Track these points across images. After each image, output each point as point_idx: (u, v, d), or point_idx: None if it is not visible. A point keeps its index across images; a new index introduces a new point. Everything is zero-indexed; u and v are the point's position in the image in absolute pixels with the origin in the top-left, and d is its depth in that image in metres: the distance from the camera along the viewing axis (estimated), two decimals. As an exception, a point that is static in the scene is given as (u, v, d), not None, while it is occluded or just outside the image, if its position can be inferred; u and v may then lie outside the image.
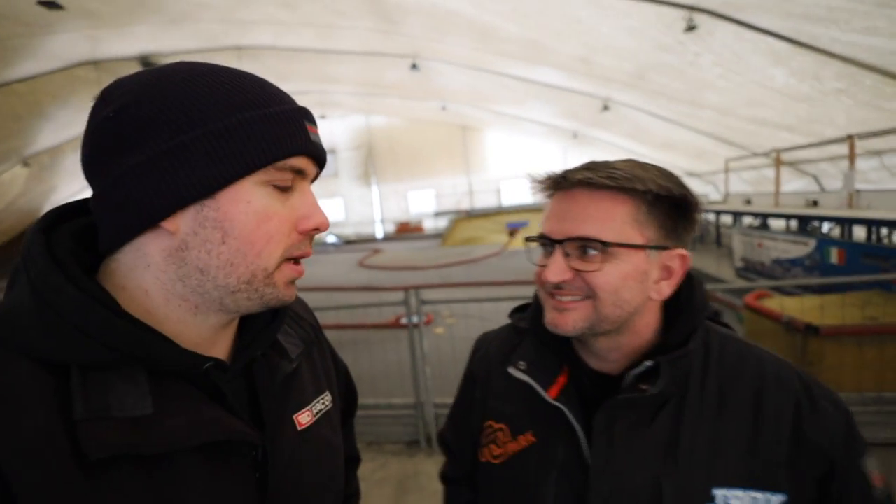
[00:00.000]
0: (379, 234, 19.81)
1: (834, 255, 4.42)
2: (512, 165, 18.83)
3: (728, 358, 0.62)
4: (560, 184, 0.60)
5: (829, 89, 5.47)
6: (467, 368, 0.80)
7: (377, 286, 7.94)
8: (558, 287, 0.59)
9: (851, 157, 5.13)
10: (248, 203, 0.43)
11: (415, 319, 2.90)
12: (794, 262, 5.05)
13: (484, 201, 19.32)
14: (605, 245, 0.56)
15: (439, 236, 16.61)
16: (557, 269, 0.58)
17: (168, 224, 0.42)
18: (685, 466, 0.57)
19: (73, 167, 12.51)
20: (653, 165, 0.60)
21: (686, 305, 0.63)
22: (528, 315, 0.71)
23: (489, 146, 19.04)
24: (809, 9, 4.19)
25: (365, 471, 2.53)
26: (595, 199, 0.57)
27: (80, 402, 0.38)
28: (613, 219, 0.57)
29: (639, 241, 0.57)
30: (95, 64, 8.25)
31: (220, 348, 0.49)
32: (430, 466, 2.73)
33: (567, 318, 0.59)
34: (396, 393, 3.16)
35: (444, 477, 0.82)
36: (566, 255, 0.58)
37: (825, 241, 4.66)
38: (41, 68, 8.05)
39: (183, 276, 0.44)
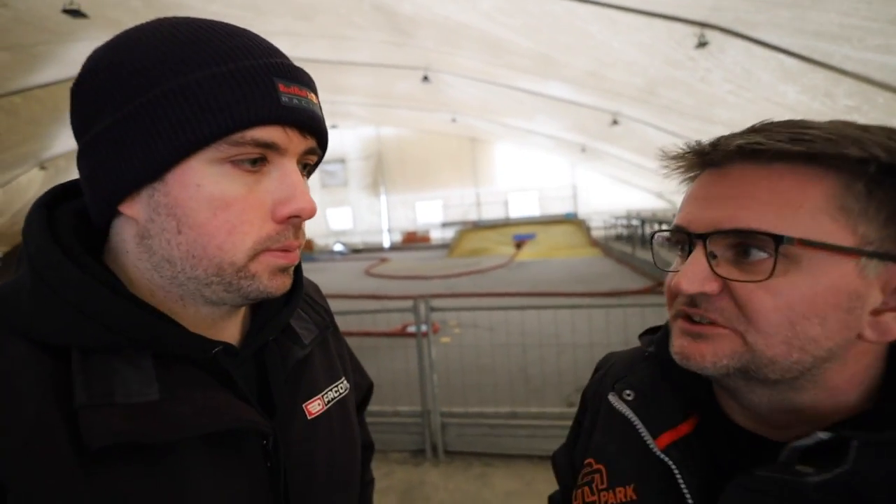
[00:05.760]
0: (386, 244, 19.86)
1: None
2: (520, 178, 18.91)
3: None
4: (709, 156, 0.40)
5: (841, 107, 5.46)
6: (584, 390, 0.64)
7: (384, 295, 7.95)
8: (693, 304, 0.39)
9: (864, 174, 5.09)
10: (199, 187, 0.37)
11: (423, 328, 2.90)
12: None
13: (491, 213, 19.34)
14: (782, 242, 0.35)
15: (446, 247, 16.62)
16: (694, 275, 0.38)
17: (126, 209, 0.38)
18: None
19: (88, 171, 12.75)
20: (877, 126, 0.37)
21: None
22: (657, 337, 0.52)
23: (498, 158, 19.12)
24: (822, 26, 4.20)
25: (370, 479, 2.50)
26: (770, 176, 0.36)
27: (81, 387, 0.35)
28: (799, 204, 0.35)
29: (847, 241, 0.35)
30: (114, 71, 8.45)
31: (229, 333, 0.46)
32: (435, 476, 2.70)
33: (703, 349, 0.39)
34: (402, 401, 3.14)
35: (550, 499, 0.68)
36: (712, 256, 0.38)
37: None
38: (62, 74, 8.25)
39: (155, 265, 0.40)
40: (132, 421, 0.35)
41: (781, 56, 4.96)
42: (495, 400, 3.05)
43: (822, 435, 0.36)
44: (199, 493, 0.39)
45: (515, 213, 19.10)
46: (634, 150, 11.29)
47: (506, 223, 17.54)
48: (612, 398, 0.50)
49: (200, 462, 0.40)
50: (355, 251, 18.53)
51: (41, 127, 9.61)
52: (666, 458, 0.44)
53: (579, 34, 5.98)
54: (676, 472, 0.43)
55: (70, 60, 7.78)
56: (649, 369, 0.51)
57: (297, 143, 0.40)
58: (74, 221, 0.42)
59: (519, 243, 14.72)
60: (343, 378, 0.58)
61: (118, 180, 0.38)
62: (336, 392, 0.55)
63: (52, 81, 8.34)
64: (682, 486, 0.43)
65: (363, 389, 0.72)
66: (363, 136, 19.33)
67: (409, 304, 2.93)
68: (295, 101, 0.39)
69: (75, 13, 5.60)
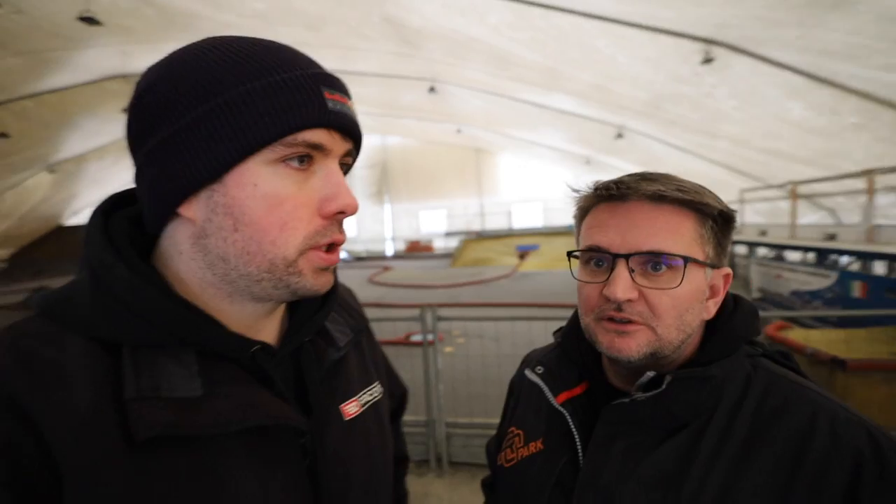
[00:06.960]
0: (389, 252, 19.88)
1: (856, 289, 4.34)
2: (523, 189, 18.96)
3: (772, 397, 0.53)
4: (621, 195, 0.55)
5: (847, 124, 5.48)
6: (511, 380, 0.80)
7: (388, 303, 7.93)
8: (619, 308, 0.53)
9: (871, 191, 5.09)
10: (255, 186, 0.40)
11: (430, 337, 2.88)
12: (814, 295, 4.96)
13: (495, 223, 19.38)
14: (686, 261, 0.52)
15: (449, 256, 16.62)
16: (625, 285, 0.52)
17: (185, 211, 0.41)
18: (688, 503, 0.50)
19: (96, 175, 12.82)
20: (707, 190, 0.58)
21: (721, 327, 0.57)
22: (563, 330, 0.69)
23: (502, 169, 19.21)
24: (828, 45, 4.24)
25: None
26: (663, 213, 0.53)
27: (131, 381, 0.38)
28: (682, 234, 0.53)
29: (702, 258, 0.54)
30: (125, 77, 8.56)
31: (267, 333, 0.48)
32: (439, 488, 2.67)
33: (630, 343, 0.53)
34: (407, 410, 3.11)
35: (483, 484, 0.81)
36: (631, 271, 0.53)
37: (847, 274, 4.58)
38: (73, 80, 8.37)
39: (209, 263, 0.42)
40: (176, 414, 0.38)
41: (787, 73, 4.99)
42: (501, 411, 3.02)
43: (650, 373, 0.54)
44: (238, 485, 0.41)
45: (519, 223, 19.14)
46: (638, 163, 11.32)
47: (509, 234, 17.56)
48: (528, 372, 0.66)
49: (240, 456, 0.41)
50: (359, 259, 18.54)
51: (51, 131, 9.71)
52: (561, 409, 0.60)
53: (586, 48, 6.04)
54: (569, 418, 0.59)
55: (82, 66, 7.89)
56: (556, 353, 0.67)
57: (339, 145, 0.44)
58: (128, 228, 0.45)
59: (522, 254, 14.70)
60: (377, 382, 0.59)
61: (180, 182, 0.40)
62: (370, 395, 0.57)
63: (63, 87, 8.45)
64: (572, 426, 0.58)
65: (397, 397, 0.73)
66: (369, 144, 19.44)
67: (414, 312, 2.92)
68: (338, 106, 0.43)
69: (90, 20, 5.69)
